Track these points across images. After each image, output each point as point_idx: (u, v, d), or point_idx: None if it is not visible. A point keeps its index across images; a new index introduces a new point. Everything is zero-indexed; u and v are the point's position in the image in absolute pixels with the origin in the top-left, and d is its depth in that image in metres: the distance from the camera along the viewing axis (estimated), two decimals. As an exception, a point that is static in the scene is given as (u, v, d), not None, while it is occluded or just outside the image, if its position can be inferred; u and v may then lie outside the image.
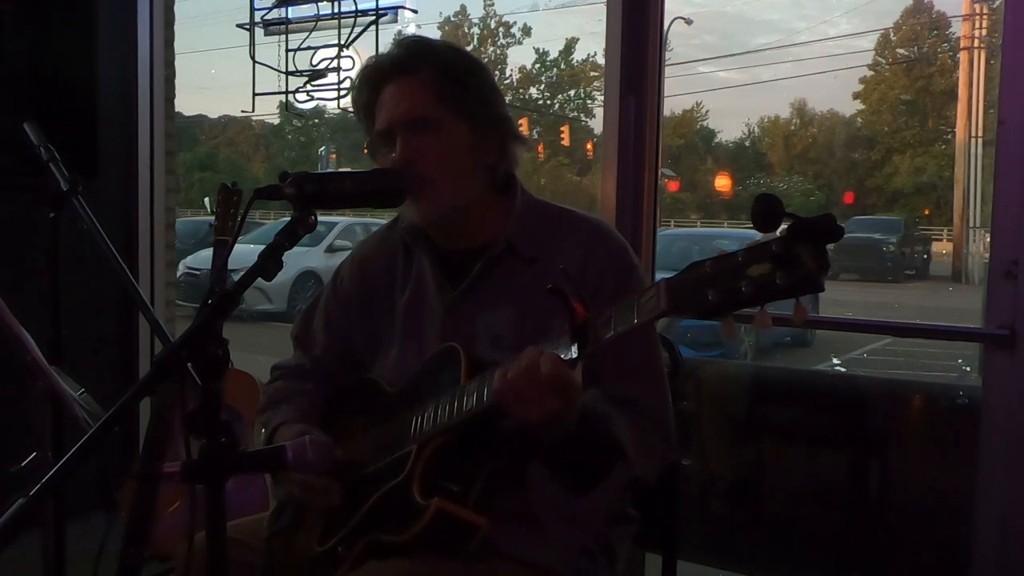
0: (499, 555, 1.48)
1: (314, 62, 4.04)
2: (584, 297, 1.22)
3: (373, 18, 3.91)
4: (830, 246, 0.99)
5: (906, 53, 32.92)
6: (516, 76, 37.95)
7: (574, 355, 1.22)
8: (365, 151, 1.69)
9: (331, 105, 4.14)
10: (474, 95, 1.57)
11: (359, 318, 1.74)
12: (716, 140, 38.95)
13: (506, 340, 1.51)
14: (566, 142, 32.64)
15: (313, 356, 1.78)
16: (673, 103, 35.67)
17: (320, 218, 1.27)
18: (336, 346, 1.77)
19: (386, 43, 3.62)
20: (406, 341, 1.66)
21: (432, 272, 1.65)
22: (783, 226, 1.00)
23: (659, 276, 1.21)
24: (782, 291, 1.00)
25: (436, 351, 1.53)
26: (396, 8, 4.02)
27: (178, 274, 7.87)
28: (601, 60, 2.92)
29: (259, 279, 1.19)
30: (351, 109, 1.73)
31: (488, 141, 1.59)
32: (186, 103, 43.01)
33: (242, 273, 1.18)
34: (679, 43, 39.07)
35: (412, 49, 1.59)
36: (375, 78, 1.60)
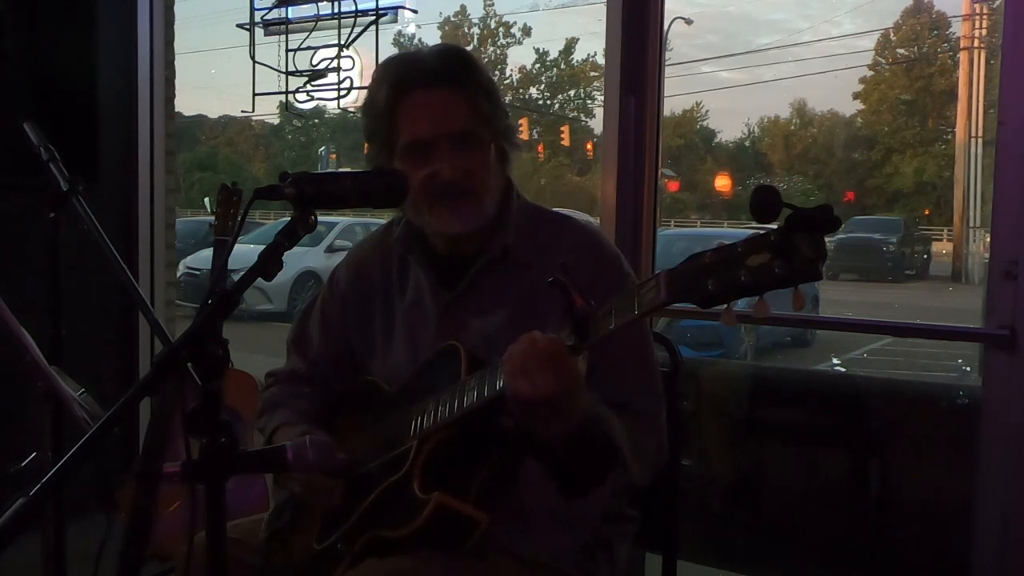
0: (498, 551, 1.48)
1: (314, 62, 4.04)
2: (584, 291, 1.22)
3: (373, 18, 3.91)
4: (830, 244, 1.00)
5: (906, 53, 32.90)
6: (516, 76, 37.98)
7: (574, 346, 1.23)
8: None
9: (331, 105, 4.14)
10: (500, 115, 1.61)
11: (356, 321, 1.74)
12: (716, 140, 38.98)
13: (500, 344, 1.51)
14: (566, 142, 32.64)
15: (309, 360, 1.79)
16: (673, 103, 35.67)
17: (320, 218, 1.27)
18: (332, 349, 1.77)
19: (386, 43, 3.63)
20: (402, 344, 1.66)
21: (427, 277, 1.65)
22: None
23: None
24: (781, 280, 1.01)
25: (436, 349, 1.54)
26: (396, 8, 4.03)
27: (178, 274, 7.86)
28: (601, 60, 2.92)
29: (259, 279, 1.19)
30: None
31: (506, 159, 1.63)
32: (186, 103, 42.99)
33: (242, 273, 1.19)
34: (680, 43, 39.05)
35: (455, 60, 1.58)
36: (405, 80, 1.56)
